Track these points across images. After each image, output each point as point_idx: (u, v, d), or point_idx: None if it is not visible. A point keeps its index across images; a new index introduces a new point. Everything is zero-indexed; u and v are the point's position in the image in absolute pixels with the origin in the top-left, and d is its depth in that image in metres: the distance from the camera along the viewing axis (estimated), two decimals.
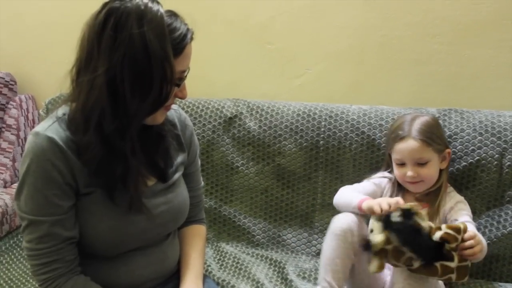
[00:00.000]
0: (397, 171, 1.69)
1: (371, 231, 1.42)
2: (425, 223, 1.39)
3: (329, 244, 1.57)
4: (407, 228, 1.37)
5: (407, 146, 1.63)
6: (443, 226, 1.40)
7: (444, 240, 1.37)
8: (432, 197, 1.68)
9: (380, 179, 1.79)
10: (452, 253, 1.38)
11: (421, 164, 1.63)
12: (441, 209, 1.65)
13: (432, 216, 1.64)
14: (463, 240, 1.39)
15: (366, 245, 1.41)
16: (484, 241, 1.50)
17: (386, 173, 1.81)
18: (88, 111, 1.14)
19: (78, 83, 1.16)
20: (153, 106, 1.17)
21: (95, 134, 1.14)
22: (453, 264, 1.37)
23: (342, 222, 1.56)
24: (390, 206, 1.44)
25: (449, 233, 1.38)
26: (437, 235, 1.37)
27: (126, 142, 1.17)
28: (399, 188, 1.74)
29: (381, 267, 1.38)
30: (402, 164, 1.67)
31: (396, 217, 1.38)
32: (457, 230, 1.39)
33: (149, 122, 1.25)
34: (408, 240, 1.36)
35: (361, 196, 1.62)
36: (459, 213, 1.64)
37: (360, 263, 1.58)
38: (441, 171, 1.69)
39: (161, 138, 1.34)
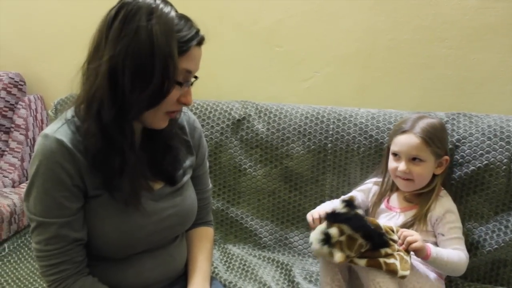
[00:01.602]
0: (391, 163, 1.70)
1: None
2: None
3: (320, 262, 1.60)
4: (353, 216, 1.46)
5: (407, 140, 1.65)
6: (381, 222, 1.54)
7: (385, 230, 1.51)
8: (422, 200, 1.69)
9: (365, 185, 1.83)
10: (393, 242, 1.48)
11: (415, 162, 1.64)
12: (428, 214, 1.65)
13: (419, 219, 1.65)
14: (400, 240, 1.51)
15: (326, 239, 1.43)
16: (449, 254, 1.57)
17: (374, 179, 1.83)
18: (90, 98, 1.15)
19: (86, 72, 1.18)
20: (152, 100, 1.16)
21: (95, 122, 1.15)
22: (392, 251, 1.45)
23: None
24: (319, 215, 1.54)
25: (386, 227, 1.51)
26: (379, 224, 1.50)
27: (125, 134, 1.17)
28: (387, 188, 1.77)
29: (343, 257, 1.41)
30: (397, 157, 1.68)
31: (341, 209, 1.48)
32: (391, 230, 1.52)
33: (149, 123, 1.24)
34: (358, 225, 1.42)
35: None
36: (446, 226, 1.64)
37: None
38: (435, 176, 1.70)
39: (169, 143, 1.34)
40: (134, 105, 1.15)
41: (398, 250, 1.46)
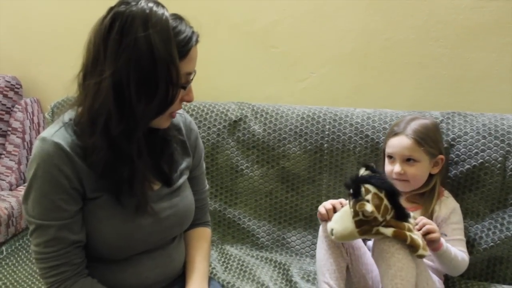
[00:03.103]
0: (386, 166, 1.72)
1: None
2: None
3: (321, 246, 1.60)
4: (376, 175, 1.45)
5: (399, 142, 1.67)
6: None
7: None
8: (425, 200, 1.70)
9: None
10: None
11: (410, 163, 1.66)
12: (434, 215, 1.67)
13: None
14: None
15: (355, 193, 1.43)
16: (456, 252, 1.59)
17: None
18: (94, 113, 1.15)
19: (85, 86, 1.17)
20: (159, 108, 1.18)
21: (101, 136, 1.15)
22: (411, 226, 1.45)
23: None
24: (332, 205, 1.57)
25: None
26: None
27: (133, 144, 1.18)
28: None
29: (374, 209, 1.39)
30: (391, 160, 1.70)
31: (363, 172, 1.49)
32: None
33: (155, 125, 1.25)
34: (382, 183, 1.41)
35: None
36: (450, 227, 1.66)
37: (354, 264, 1.59)
38: (433, 175, 1.71)
39: (166, 144, 1.35)
40: (143, 116, 1.16)
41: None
